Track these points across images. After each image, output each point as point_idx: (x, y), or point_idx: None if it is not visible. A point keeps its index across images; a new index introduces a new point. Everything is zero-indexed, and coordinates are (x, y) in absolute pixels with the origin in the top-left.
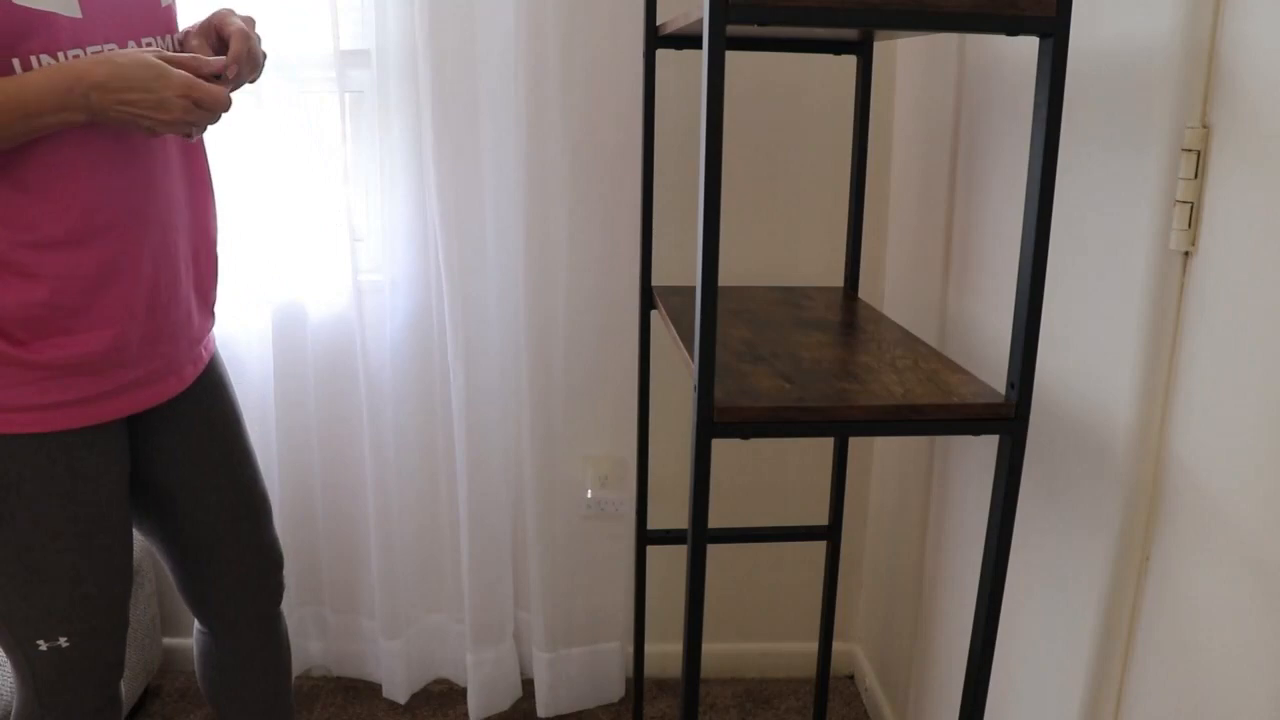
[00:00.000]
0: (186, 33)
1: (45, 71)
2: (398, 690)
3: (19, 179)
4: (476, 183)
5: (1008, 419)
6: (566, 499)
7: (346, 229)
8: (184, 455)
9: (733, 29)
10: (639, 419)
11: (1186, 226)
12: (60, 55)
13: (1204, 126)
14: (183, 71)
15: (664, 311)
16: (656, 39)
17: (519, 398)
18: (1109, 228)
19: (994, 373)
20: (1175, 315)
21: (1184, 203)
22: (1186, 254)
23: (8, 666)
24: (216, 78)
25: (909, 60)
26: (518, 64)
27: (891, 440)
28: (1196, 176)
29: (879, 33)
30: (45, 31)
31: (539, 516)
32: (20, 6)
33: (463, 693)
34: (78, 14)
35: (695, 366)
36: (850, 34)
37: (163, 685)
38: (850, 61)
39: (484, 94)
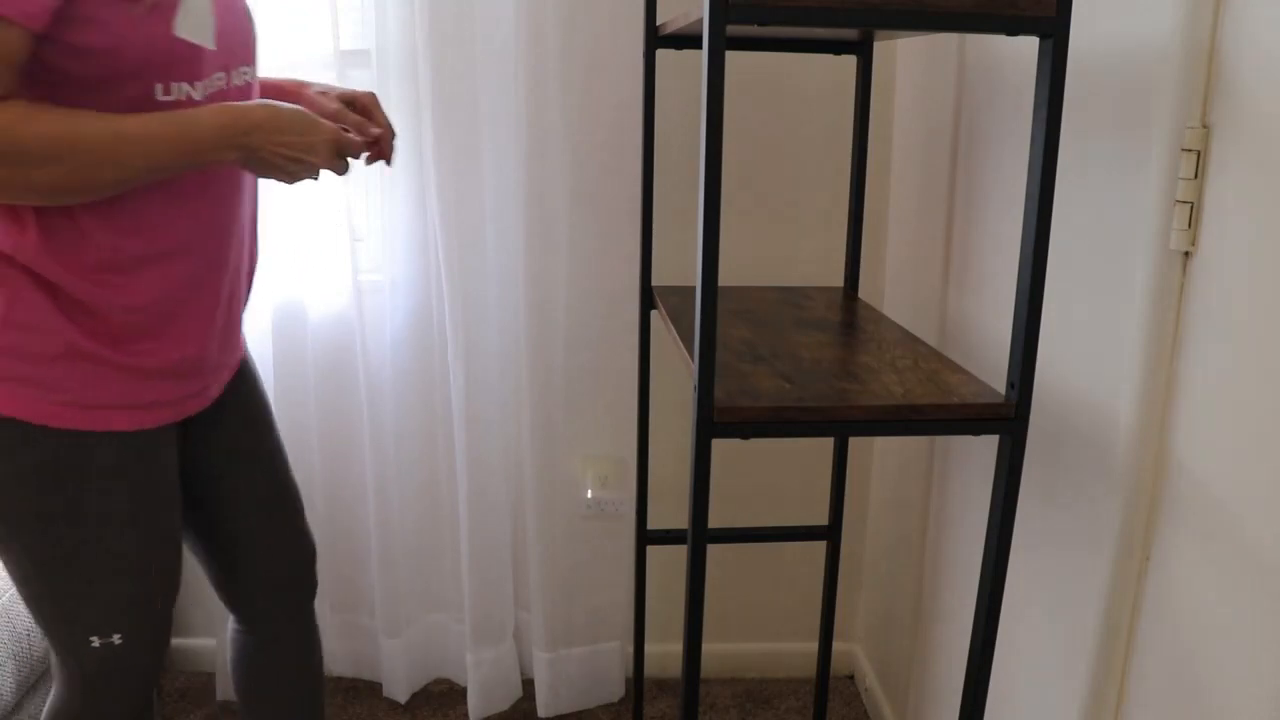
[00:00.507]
0: (323, 93)
1: (211, 109)
2: (398, 690)
3: (145, 196)
4: (476, 183)
5: (1008, 419)
6: (566, 499)
7: (346, 229)
8: (223, 451)
9: (733, 29)
10: (639, 419)
11: (1186, 226)
12: (197, 84)
13: (1204, 126)
14: (329, 122)
15: (664, 311)
16: (656, 39)
17: (519, 398)
18: (1109, 228)
19: (994, 373)
20: (1175, 315)
21: (1184, 203)
22: (1187, 254)
23: (8, 668)
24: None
25: (909, 60)
26: (518, 64)
27: (891, 440)
28: (1196, 176)
29: (879, 33)
30: (192, 62)
31: (539, 516)
32: (179, 39)
33: (463, 692)
34: (214, 47)
35: (695, 366)
36: (850, 34)
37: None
38: (850, 61)
39: (484, 94)
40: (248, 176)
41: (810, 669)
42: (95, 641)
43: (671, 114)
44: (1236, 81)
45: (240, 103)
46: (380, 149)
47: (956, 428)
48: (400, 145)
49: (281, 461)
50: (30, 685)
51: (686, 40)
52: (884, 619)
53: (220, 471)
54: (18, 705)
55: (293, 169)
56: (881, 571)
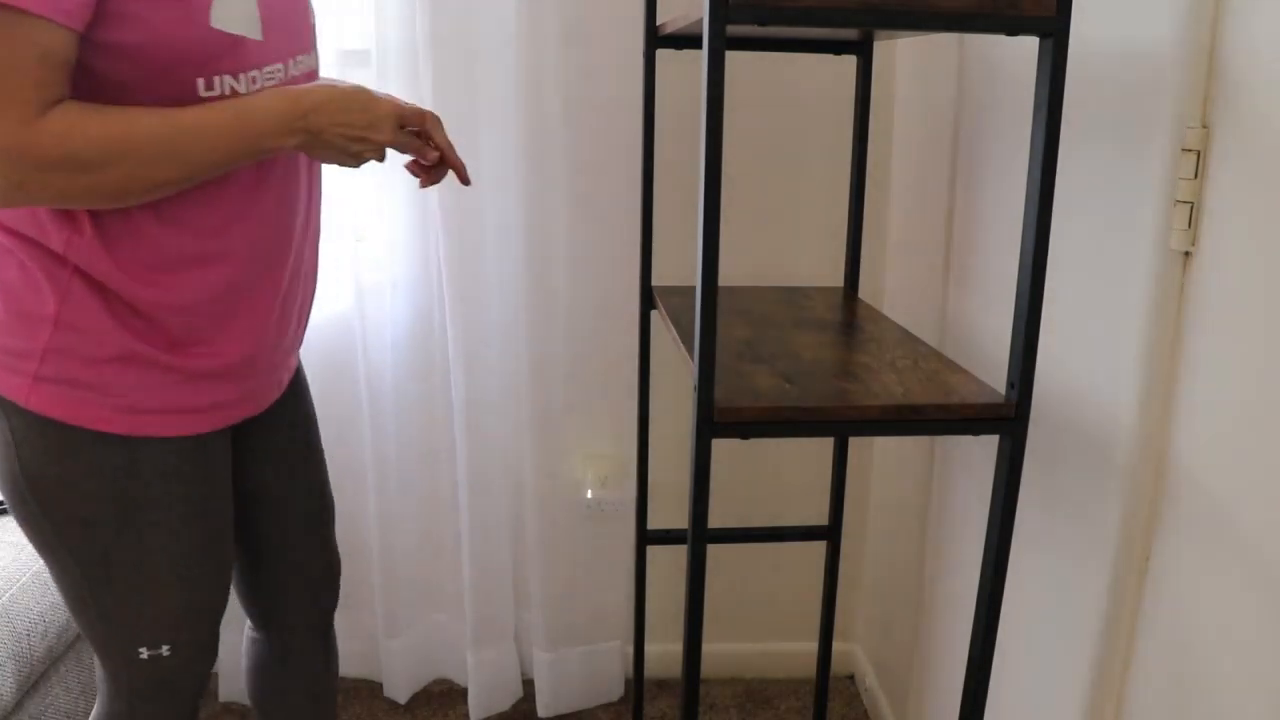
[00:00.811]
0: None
1: (268, 94)
2: (398, 690)
3: (203, 192)
4: (476, 183)
5: (1008, 419)
6: (566, 499)
7: (348, 230)
8: (270, 460)
9: (733, 29)
10: (639, 419)
11: (1186, 226)
12: (241, 76)
13: (1204, 126)
14: (387, 96)
15: (664, 311)
16: (656, 39)
17: (519, 398)
18: (1109, 228)
19: (994, 373)
20: (1176, 315)
21: (1184, 203)
22: (1187, 254)
23: (8, 668)
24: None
25: (909, 60)
26: (518, 64)
27: (891, 440)
28: (1196, 176)
29: (879, 33)
30: (234, 53)
31: (539, 516)
32: (217, 30)
33: (463, 693)
34: (260, 37)
35: (695, 366)
36: (850, 34)
37: None
38: (850, 61)
39: (484, 94)
40: (306, 175)
41: (810, 669)
42: (144, 653)
43: (671, 114)
44: (1236, 82)
45: (298, 86)
46: (433, 175)
47: (956, 428)
48: None
49: (323, 475)
50: (30, 685)
51: (686, 40)
52: (884, 619)
53: (264, 480)
54: (18, 705)
55: (356, 149)
56: (881, 571)
